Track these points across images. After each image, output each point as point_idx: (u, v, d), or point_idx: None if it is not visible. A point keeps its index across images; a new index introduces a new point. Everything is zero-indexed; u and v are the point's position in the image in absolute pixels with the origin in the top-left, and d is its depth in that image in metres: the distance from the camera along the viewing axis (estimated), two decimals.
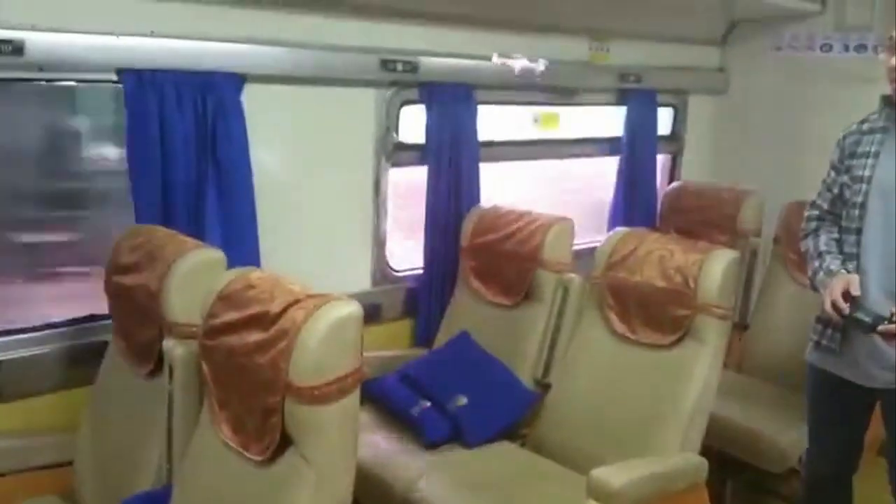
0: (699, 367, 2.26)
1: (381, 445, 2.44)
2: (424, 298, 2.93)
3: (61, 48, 2.02)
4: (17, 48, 1.93)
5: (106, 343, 2.09)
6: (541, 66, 2.86)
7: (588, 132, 3.53)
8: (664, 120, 3.73)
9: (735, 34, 3.81)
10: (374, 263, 2.85)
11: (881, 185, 1.98)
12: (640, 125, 3.47)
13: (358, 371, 1.46)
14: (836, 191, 2.12)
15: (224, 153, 2.25)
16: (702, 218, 3.33)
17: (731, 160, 3.84)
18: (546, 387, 2.59)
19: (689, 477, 2.15)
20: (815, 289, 2.12)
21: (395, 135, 2.77)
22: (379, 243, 2.84)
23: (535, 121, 3.38)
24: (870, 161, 2.01)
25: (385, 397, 2.61)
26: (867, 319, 1.91)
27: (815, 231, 2.18)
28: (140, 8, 2.14)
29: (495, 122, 3.16)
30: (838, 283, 1.97)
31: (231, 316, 1.56)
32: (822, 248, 2.11)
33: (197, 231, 2.20)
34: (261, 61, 2.35)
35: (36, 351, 2.17)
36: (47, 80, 2.13)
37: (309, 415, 1.43)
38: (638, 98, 3.44)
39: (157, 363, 1.84)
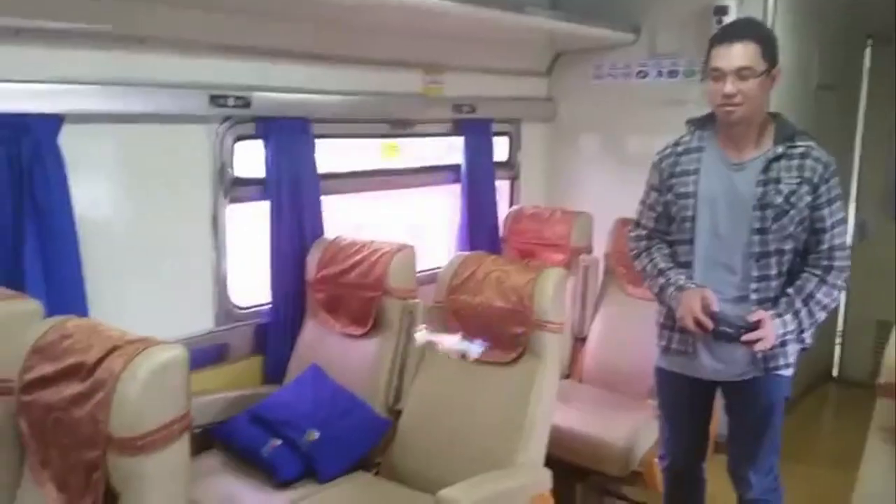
0: (538, 381, 2.37)
1: (231, 488, 2.39)
2: (273, 334, 2.89)
3: None
4: None
5: None
6: None
7: (430, 161, 3.63)
8: (501, 147, 3.90)
9: (559, 64, 4.06)
10: (217, 302, 2.78)
11: (706, 196, 2.19)
12: (478, 153, 3.61)
13: (185, 417, 1.43)
14: (659, 209, 2.31)
15: (42, 198, 2.13)
16: (539, 239, 3.51)
17: (564, 182, 4.09)
18: (398, 413, 2.62)
19: (534, 488, 2.25)
20: (661, 302, 2.30)
21: (230, 170, 2.73)
22: (221, 281, 2.77)
23: (381, 153, 3.45)
24: (692, 178, 2.21)
25: (234, 439, 2.54)
26: (731, 331, 2.10)
27: (648, 249, 2.35)
28: None
29: (342, 154, 3.20)
30: (694, 299, 2.13)
31: (46, 369, 1.49)
32: (661, 264, 2.28)
33: (16, 282, 2.07)
34: (79, 101, 2.25)
35: None
36: None
37: (133, 467, 1.38)
38: (474, 128, 3.58)
39: None
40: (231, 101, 2.62)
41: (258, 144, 2.81)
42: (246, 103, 2.67)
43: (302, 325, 2.92)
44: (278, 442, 2.47)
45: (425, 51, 3.30)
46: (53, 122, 2.17)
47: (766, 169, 2.13)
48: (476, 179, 3.62)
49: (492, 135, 3.69)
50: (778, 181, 2.12)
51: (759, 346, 2.10)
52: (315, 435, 2.47)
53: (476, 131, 3.59)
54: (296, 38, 2.81)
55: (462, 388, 2.49)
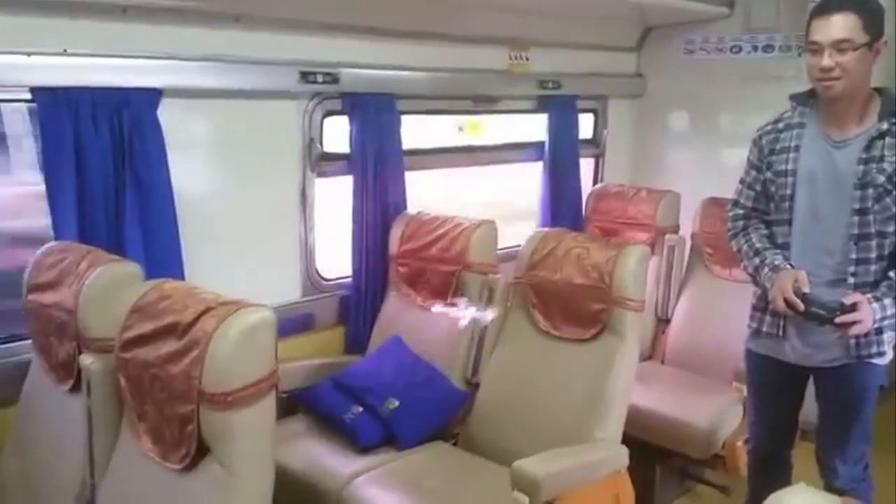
0: (617, 359, 2.36)
1: (314, 452, 2.47)
2: (355, 306, 2.97)
3: None
4: None
5: (25, 363, 2.08)
6: None
7: (513, 138, 3.62)
8: (586, 124, 3.85)
9: (650, 39, 3.96)
10: (304, 273, 2.88)
11: (805, 174, 2.11)
12: (562, 130, 3.58)
13: (272, 376, 1.49)
14: (758, 188, 2.24)
15: (142, 168, 2.26)
16: (623, 217, 3.46)
17: (651, 161, 4.00)
18: (476, 386, 2.66)
19: (610, 464, 2.24)
20: (756, 283, 2.23)
21: (319, 145, 2.81)
22: (308, 253, 2.87)
23: (460, 129, 3.46)
24: (791, 155, 2.13)
25: (318, 405, 2.64)
26: (823, 313, 2.02)
27: (745, 230, 2.28)
28: (53, 26, 2.13)
29: (422, 130, 3.23)
30: (787, 280, 2.06)
31: (145, 328, 1.58)
32: (758, 244, 2.21)
33: (117, 247, 2.20)
34: (177, 76, 2.36)
35: None
36: None
37: (223, 421, 1.45)
38: (558, 104, 3.54)
39: (77, 379, 1.82)
40: (320, 78, 2.69)
41: (345, 120, 2.87)
42: (334, 80, 2.73)
43: (384, 297, 2.98)
44: (360, 409, 2.55)
45: (511, 26, 3.28)
46: (153, 96, 2.28)
47: (868, 146, 2.04)
48: (559, 157, 3.58)
49: (576, 112, 3.64)
50: (881, 159, 2.02)
51: (854, 330, 2.01)
52: (395, 403, 2.53)
53: (560, 108, 3.56)
54: (383, 15, 2.85)
55: (540, 364, 2.50)
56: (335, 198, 2.96)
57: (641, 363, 2.51)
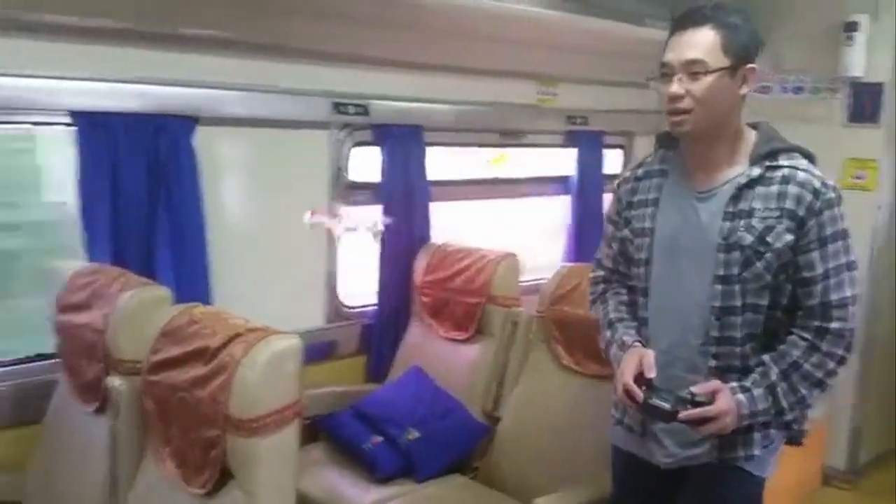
0: None
1: (332, 480, 2.48)
2: (377, 334, 2.98)
3: (13, 91, 2.06)
4: None
5: (54, 382, 2.10)
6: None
7: (538, 172, 3.64)
8: (614, 160, 3.86)
9: None
10: (328, 301, 2.90)
11: (664, 234, 1.72)
12: (589, 165, 3.60)
13: (297, 404, 1.50)
14: (616, 246, 1.86)
15: (175, 194, 2.30)
16: None
17: None
18: (496, 419, 2.64)
19: None
20: (609, 364, 1.84)
21: (346, 175, 2.84)
22: (332, 281, 2.89)
23: (490, 162, 3.49)
24: (649, 210, 1.75)
25: (338, 433, 2.64)
26: (665, 406, 1.60)
27: (603, 295, 1.92)
28: (93, 52, 2.19)
29: (454, 162, 3.26)
30: (629, 361, 1.68)
31: (173, 351, 1.60)
32: (612, 315, 1.84)
33: (148, 270, 2.24)
34: (214, 104, 2.42)
35: None
36: (3, 123, 2.17)
37: (247, 447, 1.47)
38: (586, 139, 3.57)
39: (103, 400, 1.85)
40: (351, 109, 2.74)
41: (371, 150, 2.91)
42: (365, 111, 2.77)
43: (406, 326, 2.99)
44: (379, 439, 2.54)
45: (539, 62, 3.31)
46: (189, 124, 2.33)
47: (735, 198, 1.64)
48: (586, 191, 3.60)
49: (603, 147, 3.66)
50: (750, 214, 1.62)
51: (705, 428, 1.61)
52: (415, 434, 2.53)
53: (588, 143, 3.58)
54: (413, 49, 2.90)
55: (562, 399, 2.49)
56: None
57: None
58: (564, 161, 3.61)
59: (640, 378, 1.65)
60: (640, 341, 1.74)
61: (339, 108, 2.71)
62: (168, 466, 1.62)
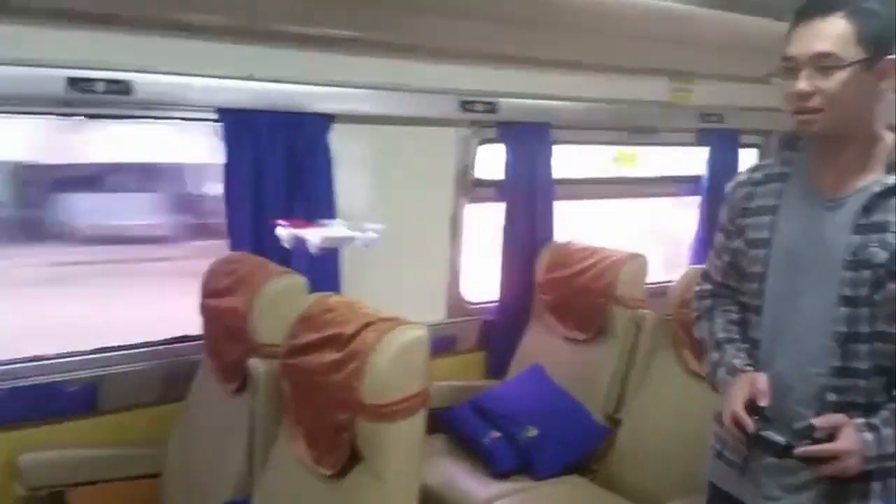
0: None
1: (451, 471, 2.51)
2: (498, 331, 2.99)
3: (166, 89, 2.21)
4: (126, 89, 2.13)
5: (195, 363, 2.25)
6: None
7: (667, 171, 3.54)
8: (749, 159, 3.69)
9: None
10: (450, 296, 2.94)
11: (783, 246, 1.52)
12: (722, 164, 3.46)
13: (424, 392, 1.54)
14: (726, 258, 1.66)
15: (311, 188, 2.41)
16: None
17: None
18: (617, 422, 2.60)
19: None
20: (715, 389, 1.64)
21: (472, 172, 2.87)
22: (454, 277, 2.93)
23: (615, 159, 3.43)
24: (767, 219, 1.55)
25: (457, 426, 2.67)
26: (779, 439, 1.40)
27: (710, 311, 1.72)
28: (239, 53, 2.32)
29: (575, 160, 3.23)
30: (740, 388, 1.49)
31: (309, 337, 1.68)
32: (721, 335, 1.65)
33: (284, 259, 2.34)
34: (349, 103, 2.51)
35: (133, 367, 2.34)
36: (153, 118, 2.33)
37: (377, 432, 1.52)
38: (720, 138, 3.44)
39: (242, 381, 1.96)
40: (479, 107, 2.76)
41: (496, 148, 2.92)
42: (492, 109, 2.79)
43: (526, 324, 2.98)
44: (498, 434, 2.55)
45: (672, 57, 3.21)
46: (325, 121, 2.43)
47: (868, 209, 1.43)
48: (718, 191, 3.45)
49: (738, 146, 3.51)
50: (884, 228, 1.41)
51: (824, 469, 1.39)
52: (534, 432, 2.53)
53: (722, 142, 3.44)
54: (541, 46, 2.88)
55: (689, 406, 2.40)
56: (477, 223, 3.02)
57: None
58: (690, 160, 3.48)
59: (750, 407, 1.45)
60: (751, 365, 1.54)
61: (466, 105, 2.74)
62: (300, 446, 1.69)
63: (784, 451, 1.39)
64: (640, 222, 3.69)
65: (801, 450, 1.37)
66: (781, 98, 1.47)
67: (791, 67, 1.43)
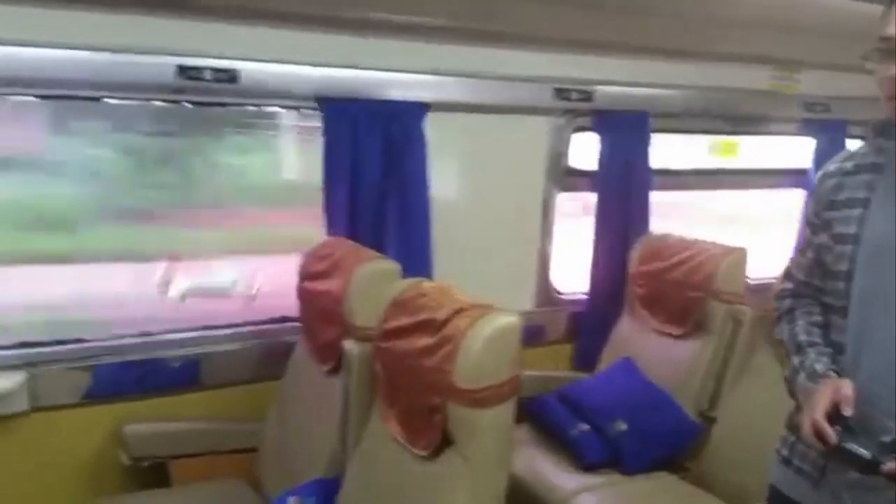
0: None
1: (538, 461, 2.51)
2: (587, 323, 2.96)
3: (270, 77, 2.28)
4: (233, 77, 2.22)
5: (292, 343, 2.32)
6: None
7: (767, 163, 3.41)
8: None
9: None
10: (539, 285, 2.92)
11: (873, 245, 1.39)
12: (830, 158, 3.29)
13: (515, 379, 1.54)
14: (810, 254, 1.55)
15: (406, 177, 2.44)
16: None
17: None
18: (711, 420, 2.53)
19: None
20: (792, 395, 1.53)
21: (565, 161, 2.84)
22: (544, 266, 2.91)
23: (711, 150, 3.33)
24: (856, 213, 1.42)
25: (544, 416, 2.66)
26: (864, 453, 1.27)
27: (790, 312, 1.60)
28: (339, 42, 2.36)
29: (667, 150, 3.15)
30: (822, 395, 1.35)
31: (403, 321, 1.70)
32: (802, 337, 1.52)
33: (378, 244, 2.39)
34: (443, 92, 2.52)
35: (234, 346, 2.44)
36: (256, 106, 2.41)
37: (468, 417, 1.53)
38: (826, 129, 3.28)
39: (337, 362, 2.01)
40: (574, 95, 2.73)
41: (588, 136, 2.88)
42: (588, 97, 2.75)
43: (617, 317, 2.93)
44: (586, 426, 2.53)
45: (774, 44, 3.08)
46: (421, 110, 2.45)
47: None
48: None
49: (846, 137, 3.34)
50: None
51: None
52: (623, 426, 2.49)
53: (828, 133, 3.29)
54: (639, 33, 2.82)
55: (789, 406, 2.31)
56: (569, 213, 2.99)
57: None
58: (790, 151, 3.34)
59: (832, 415, 1.33)
60: (835, 370, 1.42)
61: (561, 94, 2.71)
62: (393, 426, 1.72)
63: (869, 466, 1.27)
64: (743, 215, 3.57)
65: (891, 466, 1.24)
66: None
67: (888, 49, 1.33)
